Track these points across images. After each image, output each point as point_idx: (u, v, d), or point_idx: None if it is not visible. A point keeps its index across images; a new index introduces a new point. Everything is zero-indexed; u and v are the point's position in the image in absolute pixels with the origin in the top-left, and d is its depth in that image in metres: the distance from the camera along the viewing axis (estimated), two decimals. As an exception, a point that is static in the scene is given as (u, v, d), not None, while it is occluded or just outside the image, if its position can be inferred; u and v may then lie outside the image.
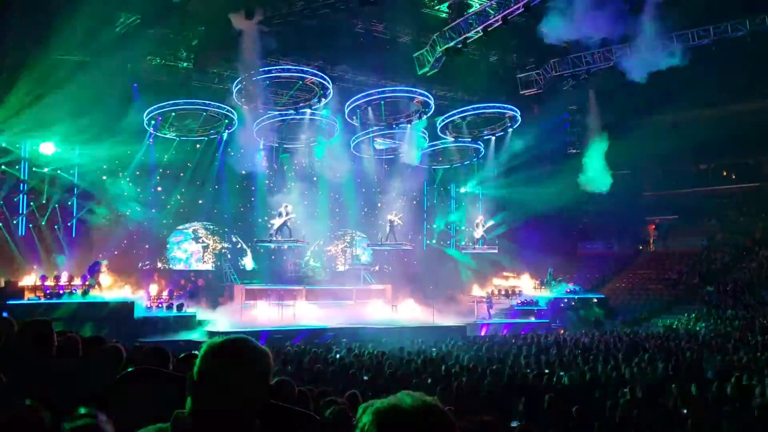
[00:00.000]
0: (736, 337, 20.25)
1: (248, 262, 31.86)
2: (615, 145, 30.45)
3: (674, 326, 24.76)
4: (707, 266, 32.47)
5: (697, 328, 23.97)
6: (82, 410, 2.18)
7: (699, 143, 30.92)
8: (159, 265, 29.47)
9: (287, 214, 26.60)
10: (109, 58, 22.99)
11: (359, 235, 34.21)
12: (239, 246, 31.63)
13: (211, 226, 31.03)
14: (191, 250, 30.94)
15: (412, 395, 1.49)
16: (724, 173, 38.16)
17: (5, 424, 2.05)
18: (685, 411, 8.84)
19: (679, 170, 37.26)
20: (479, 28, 23.84)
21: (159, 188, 28.83)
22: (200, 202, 29.88)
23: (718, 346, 17.71)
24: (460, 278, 32.53)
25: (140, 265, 28.12)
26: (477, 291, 30.85)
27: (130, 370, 3.51)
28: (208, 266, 30.96)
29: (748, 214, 35.10)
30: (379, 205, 32.69)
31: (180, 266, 30.59)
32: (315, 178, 30.29)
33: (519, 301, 29.68)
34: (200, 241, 31.17)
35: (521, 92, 29.71)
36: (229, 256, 31.21)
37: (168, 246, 30.19)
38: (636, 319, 28.44)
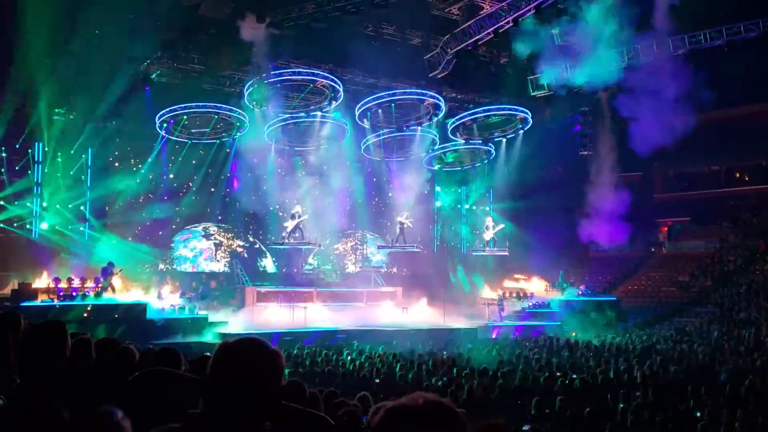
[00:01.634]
0: (749, 339, 20.09)
1: (269, 264, 31.82)
2: (627, 147, 30.29)
3: (687, 329, 24.57)
4: (720, 268, 32.23)
5: (710, 331, 23.78)
6: (100, 408, 2.20)
7: (711, 145, 30.74)
8: (161, 266, 29.05)
9: (299, 216, 26.68)
10: (121, 61, 23.27)
11: (371, 234, 34.21)
12: (257, 246, 31.39)
13: (225, 225, 30.95)
14: (200, 247, 30.60)
15: (424, 396, 1.49)
16: (737, 175, 37.87)
17: (28, 419, 2.08)
18: (698, 414, 8.79)
19: (692, 172, 37.06)
20: (490, 30, 23.84)
21: (171, 176, 28.82)
22: (213, 195, 29.92)
23: (731, 348, 17.59)
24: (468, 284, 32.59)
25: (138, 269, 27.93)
26: (488, 293, 30.75)
27: (142, 371, 3.53)
28: (221, 265, 30.76)
29: (761, 216, 34.79)
30: (390, 200, 32.67)
31: (186, 266, 30.21)
32: (326, 180, 30.30)
33: (530, 304, 29.55)
34: (212, 238, 30.86)
35: (532, 94, 29.64)
36: (245, 255, 31.05)
37: (173, 244, 29.84)
38: (648, 321, 28.25)
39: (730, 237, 34.58)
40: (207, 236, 30.86)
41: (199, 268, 30.60)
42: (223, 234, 31.17)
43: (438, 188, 35.83)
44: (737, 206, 35.91)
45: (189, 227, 30.24)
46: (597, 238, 30.72)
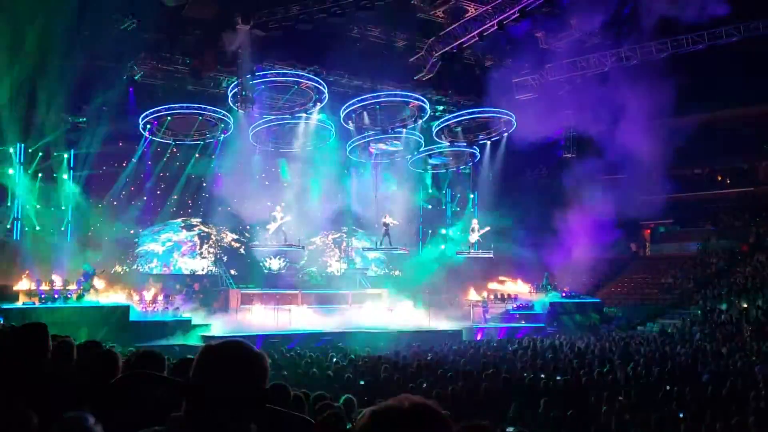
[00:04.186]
0: (736, 340, 20.32)
1: (274, 264, 31.34)
2: (610, 150, 30.50)
3: (669, 330, 24.78)
4: (702, 270, 32.54)
5: (692, 332, 23.99)
6: (71, 413, 2.18)
7: (693, 148, 30.99)
8: (117, 267, 27.22)
9: (281, 218, 26.58)
10: (105, 63, 23.16)
11: (360, 230, 33.92)
12: (255, 243, 29.18)
13: (212, 221, 29.75)
14: (177, 240, 29.10)
15: (410, 398, 1.49)
16: (719, 178, 38.23)
17: None
18: (680, 415, 8.86)
19: (674, 175, 37.41)
20: (475, 33, 23.92)
21: (156, 176, 28.39)
22: (197, 193, 29.28)
23: (713, 350, 17.75)
24: (456, 282, 32.55)
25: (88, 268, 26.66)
26: (473, 295, 30.82)
27: (125, 374, 3.50)
28: (207, 263, 29.70)
29: (742, 219, 35.18)
30: (375, 202, 32.51)
31: (153, 265, 28.53)
32: (311, 182, 30.20)
33: (515, 306, 29.67)
34: (195, 229, 29.43)
35: (517, 97, 29.74)
36: (242, 251, 30.08)
37: (137, 240, 28.28)
38: (631, 323, 28.47)
39: (711, 239, 34.92)
40: (188, 227, 29.40)
41: (174, 268, 29.04)
42: (211, 227, 29.74)
43: (423, 190, 35.82)
44: (719, 209, 36.27)
45: (164, 221, 28.94)
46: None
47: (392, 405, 1.47)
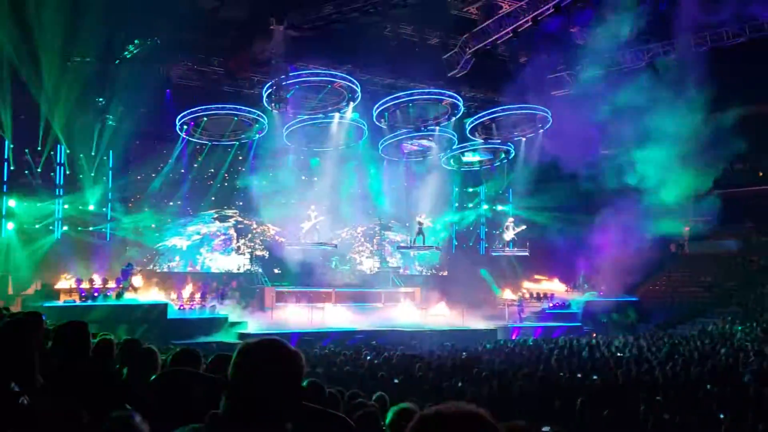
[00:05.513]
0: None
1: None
2: (648, 145, 30.01)
3: (709, 329, 24.30)
4: (743, 269, 31.85)
5: (734, 332, 23.48)
6: (119, 412, 2.22)
7: (734, 143, 30.33)
8: (136, 267, 25.35)
9: (315, 217, 26.68)
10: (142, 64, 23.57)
11: (394, 224, 33.86)
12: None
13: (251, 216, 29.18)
14: (206, 232, 28.38)
15: (460, 405, 1.48)
16: (760, 174, 37.32)
17: (46, 421, 2.09)
18: (721, 416, 8.68)
19: (714, 171, 36.69)
20: (509, 29, 23.74)
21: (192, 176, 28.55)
22: (234, 190, 29.25)
23: (755, 350, 17.35)
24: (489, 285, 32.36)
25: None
26: (508, 294, 30.60)
27: (164, 371, 3.56)
28: (244, 259, 29.38)
29: (785, 216, 34.33)
30: (409, 200, 32.39)
31: (175, 264, 27.83)
32: (344, 181, 30.26)
33: (551, 305, 29.38)
34: (229, 221, 28.78)
35: (552, 93, 29.43)
36: (288, 246, 28.78)
37: (158, 234, 27.74)
38: (670, 322, 27.98)
39: (753, 237, 34.15)
40: (222, 218, 28.70)
41: (203, 267, 28.49)
42: (248, 219, 29.02)
43: (456, 188, 35.64)
44: (760, 206, 35.39)
45: (195, 213, 28.31)
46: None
47: (442, 410, 1.46)
